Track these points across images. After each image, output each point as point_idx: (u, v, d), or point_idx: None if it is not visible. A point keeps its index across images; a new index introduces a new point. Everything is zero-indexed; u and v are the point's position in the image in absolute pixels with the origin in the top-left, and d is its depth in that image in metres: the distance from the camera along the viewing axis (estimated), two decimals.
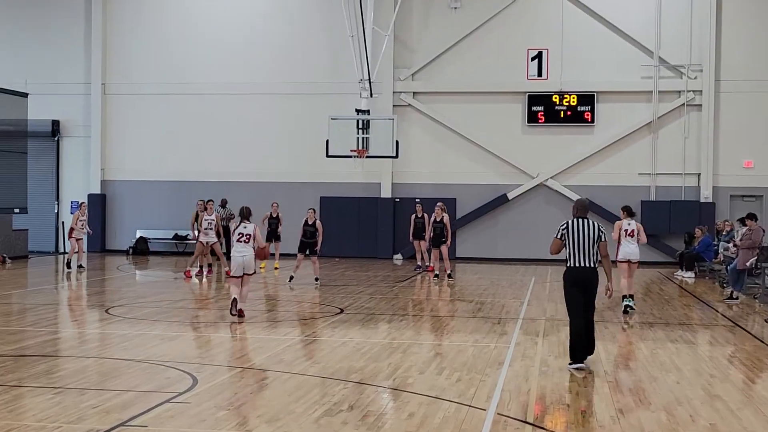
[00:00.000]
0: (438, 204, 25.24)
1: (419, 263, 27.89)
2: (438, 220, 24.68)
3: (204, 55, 34.48)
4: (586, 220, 12.02)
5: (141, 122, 34.95)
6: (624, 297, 18.10)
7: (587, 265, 11.79)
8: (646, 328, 16.02)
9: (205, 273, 24.81)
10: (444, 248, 24.69)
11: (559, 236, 11.95)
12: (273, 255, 26.02)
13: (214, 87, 34.26)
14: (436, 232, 24.72)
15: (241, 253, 16.34)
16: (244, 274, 16.41)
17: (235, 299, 16.13)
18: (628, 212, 18.74)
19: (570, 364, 11.79)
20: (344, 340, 13.92)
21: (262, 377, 11.04)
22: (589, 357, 12.04)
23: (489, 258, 32.79)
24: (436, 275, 25.07)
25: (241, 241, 16.39)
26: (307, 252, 22.74)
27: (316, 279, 22.84)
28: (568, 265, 11.92)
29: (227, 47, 34.33)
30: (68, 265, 26.56)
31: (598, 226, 12.05)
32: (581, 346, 11.79)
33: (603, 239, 11.96)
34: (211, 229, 24.39)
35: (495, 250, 33.03)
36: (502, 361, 12.22)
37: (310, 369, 11.55)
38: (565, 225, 11.99)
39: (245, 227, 16.46)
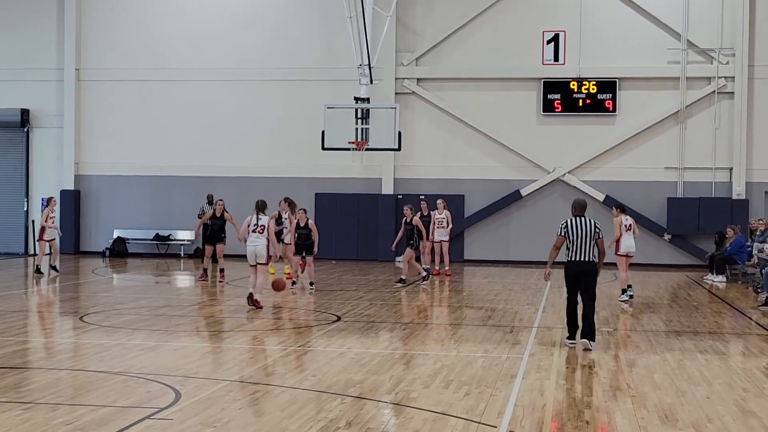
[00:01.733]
0: (421, 199, 25.20)
1: (425, 266, 27.81)
2: (408, 221, 24.28)
3: (188, 38, 34.49)
4: (583, 219, 14.45)
5: (119, 111, 34.95)
6: (627, 289, 21.50)
7: (584, 259, 14.31)
8: (672, 337, 16.02)
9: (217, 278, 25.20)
10: (409, 252, 24.27)
11: (561, 233, 14.40)
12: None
13: (200, 73, 34.28)
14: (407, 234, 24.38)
15: (254, 243, 18.97)
16: (257, 263, 18.94)
17: (251, 293, 18.89)
18: (623, 209, 21.91)
19: (567, 338, 14.69)
20: (342, 351, 13.93)
21: (252, 391, 11.03)
22: (593, 343, 14.29)
23: (500, 260, 32.79)
24: (401, 280, 24.62)
25: (255, 232, 18.97)
26: (303, 254, 22.92)
27: (311, 284, 22.87)
28: (568, 258, 14.41)
29: (214, 29, 34.35)
30: (38, 270, 26.47)
31: (595, 223, 14.50)
32: (575, 325, 14.52)
33: (600, 236, 14.39)
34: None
35: (507, 251, 33.03)
36: (514, 374, 12.23)
37: (305, 382, 11.56)
38: (566, 223, 14.44)
39: (260, 218, 19.05)
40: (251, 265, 19.07)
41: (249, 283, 19.44)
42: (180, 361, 12.92)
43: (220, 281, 24.75)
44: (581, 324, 14.36)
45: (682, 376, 12.31)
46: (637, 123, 32.28)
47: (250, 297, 18.82)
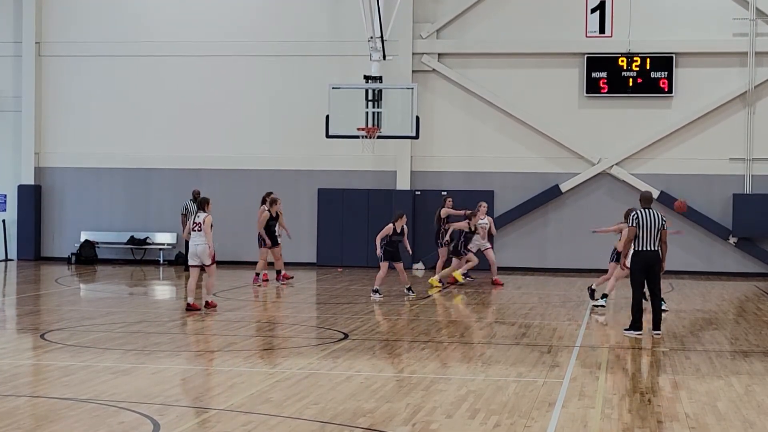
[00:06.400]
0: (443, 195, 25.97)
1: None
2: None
3: (169, 7, 34.48)
4: (651, 211, 17.81)
5: (87, 93, 34.95)
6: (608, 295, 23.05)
7: (652, 249, 17.67)
8: (739, 358, 15.98)
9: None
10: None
11: (633, 224, 17.66)
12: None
13: (182, 47, 34.24)
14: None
15: (195, 243, 20.71)
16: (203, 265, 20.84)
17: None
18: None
19: (627, 329, 17.86)
20: (349, 374, 13.94)
21: (244, 422, 11.04)
22: (660, 332, 17.78)
23: (535, 268, 32.74)
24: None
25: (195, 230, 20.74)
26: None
27: (409, 289, 24.26)
28: (635, 249, 17.77)
29: None
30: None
31: (661, 216, 17.84)
32: (641, 316, 17.85)
33: (665, 228, 17.74)
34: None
35: (544, 257, 32.96)
36: (553, 401, 12.23)
37: (306, 411, 11.57)
38: (636, 215, 17.75)
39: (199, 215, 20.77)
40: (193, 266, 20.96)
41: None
42: (159, 387, 12.93)
43: (283, 282, 27.04)
44: (653, 314, 17.84)
45: (750, 404, 12.28)
46: (697, 106, 32.19)
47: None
